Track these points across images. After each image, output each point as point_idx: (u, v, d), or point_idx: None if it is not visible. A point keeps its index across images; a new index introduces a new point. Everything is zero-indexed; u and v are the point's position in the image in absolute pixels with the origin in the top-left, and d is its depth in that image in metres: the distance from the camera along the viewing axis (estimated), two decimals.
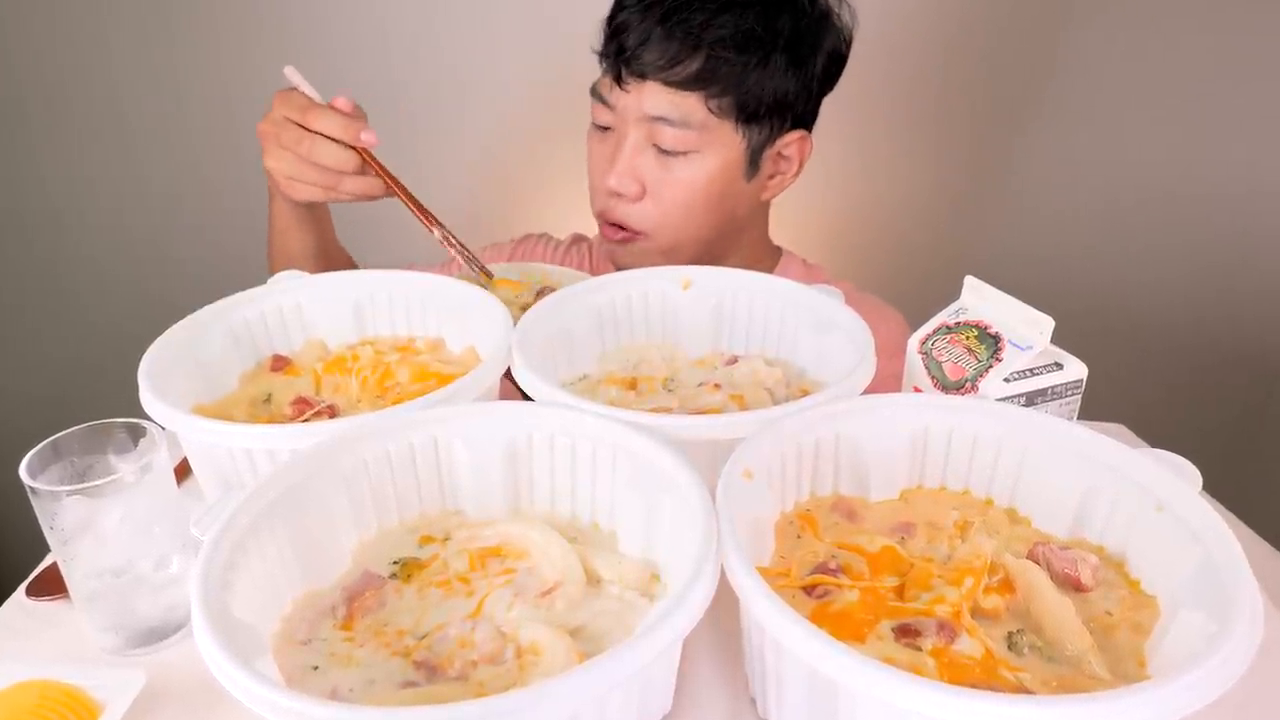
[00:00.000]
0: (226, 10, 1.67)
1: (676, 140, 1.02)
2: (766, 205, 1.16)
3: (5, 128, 1.77)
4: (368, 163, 0.95)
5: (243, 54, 1.70)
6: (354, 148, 0.93)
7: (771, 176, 1.11)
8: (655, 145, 1.03)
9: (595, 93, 1.07)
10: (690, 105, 1.00)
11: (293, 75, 0.97)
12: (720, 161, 1.04)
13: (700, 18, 0.98)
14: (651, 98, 1.01)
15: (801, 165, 1.11)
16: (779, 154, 1.08)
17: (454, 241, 0.97)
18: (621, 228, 1.08)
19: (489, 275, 1.00)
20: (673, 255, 1.09)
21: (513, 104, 1.74)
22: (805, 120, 1.09)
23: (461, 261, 0.98)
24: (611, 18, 1.04)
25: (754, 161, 1.06)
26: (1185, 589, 0.54)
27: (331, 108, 0.94)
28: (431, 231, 0.96)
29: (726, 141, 1.03)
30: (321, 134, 0.92)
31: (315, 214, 1.04)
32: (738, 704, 0.60)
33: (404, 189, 0.96)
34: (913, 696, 0.43)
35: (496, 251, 1.27)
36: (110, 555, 0.64)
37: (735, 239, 1.13)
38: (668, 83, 0.99)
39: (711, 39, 0.98)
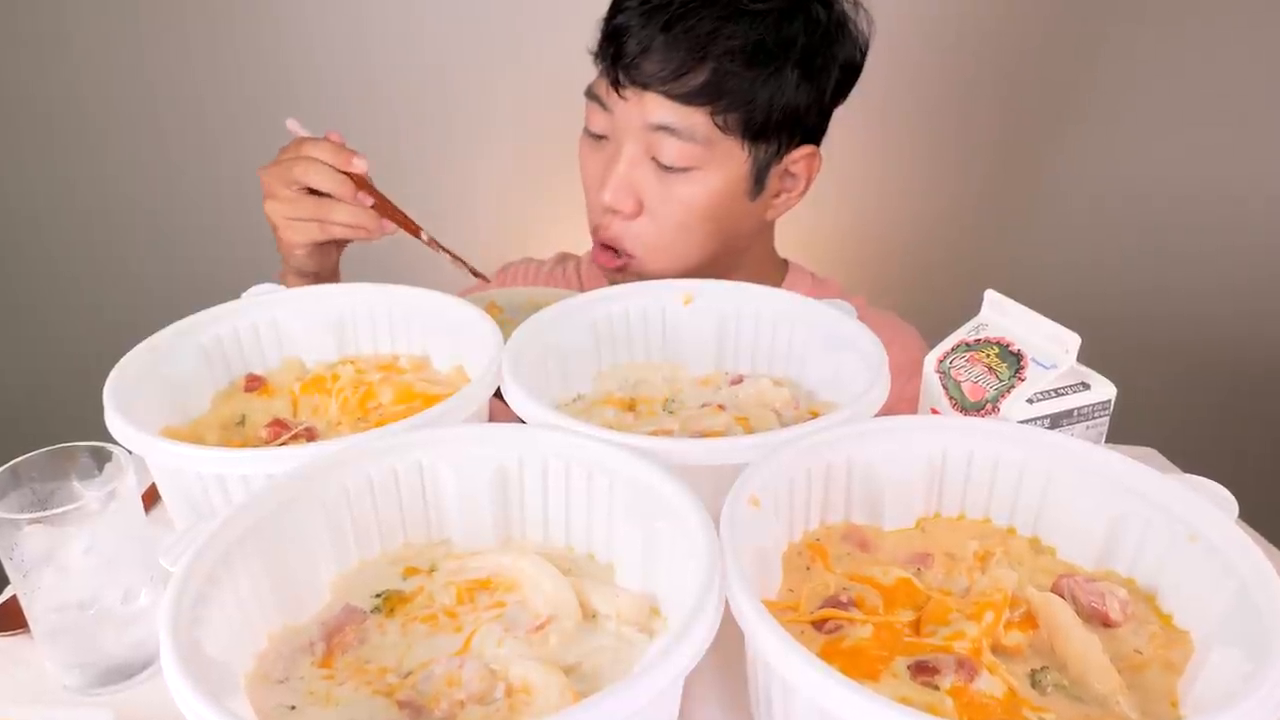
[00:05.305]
0: (198, 11, 1.68)
1: (678, 155, 1.00)
2: (771, 223, 1.16)
3: None
4: (364, 191, 0.99)
5: (214, 55, 1.71)
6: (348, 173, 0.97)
7: (777, 195, 1.10)
8: (654, 160, 1.02)
9: (592, 95, 1.06)
10: (695, 118, 0.99)
11: (295, 126, 1.01)
12: (723, 179, 1.03)
13: (707, 26, 0.96)
14: (653, 107, 0.99)
15: (809, 183, 1.10)
16: (786, 170, 1.07)
17: (441, 247, 1.01)
18: (615, 252, 1.08)
19: (484, 278, 1.06)
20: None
21: (503, 107, 1.75)
22: (814, 134, 1.08)
23: (451, 261, 1.03)
24: (610, 18, 1.03)
25: (759, 179, 1.05)
26: (1221, 624, 0.54)
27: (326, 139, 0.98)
28: (419, 236, 1.01)
29: (731, 158, 1.02)
30: (316, 158, 0.96)
31: (322, 279, 1.06)
32: None
33: (397, 211, 1.01)
34: None
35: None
36: (74, 588, 0.64)
37: (736, 259, 1.13)
38: (670, 95, 0.98)
39: (719, 50, 0.97)
